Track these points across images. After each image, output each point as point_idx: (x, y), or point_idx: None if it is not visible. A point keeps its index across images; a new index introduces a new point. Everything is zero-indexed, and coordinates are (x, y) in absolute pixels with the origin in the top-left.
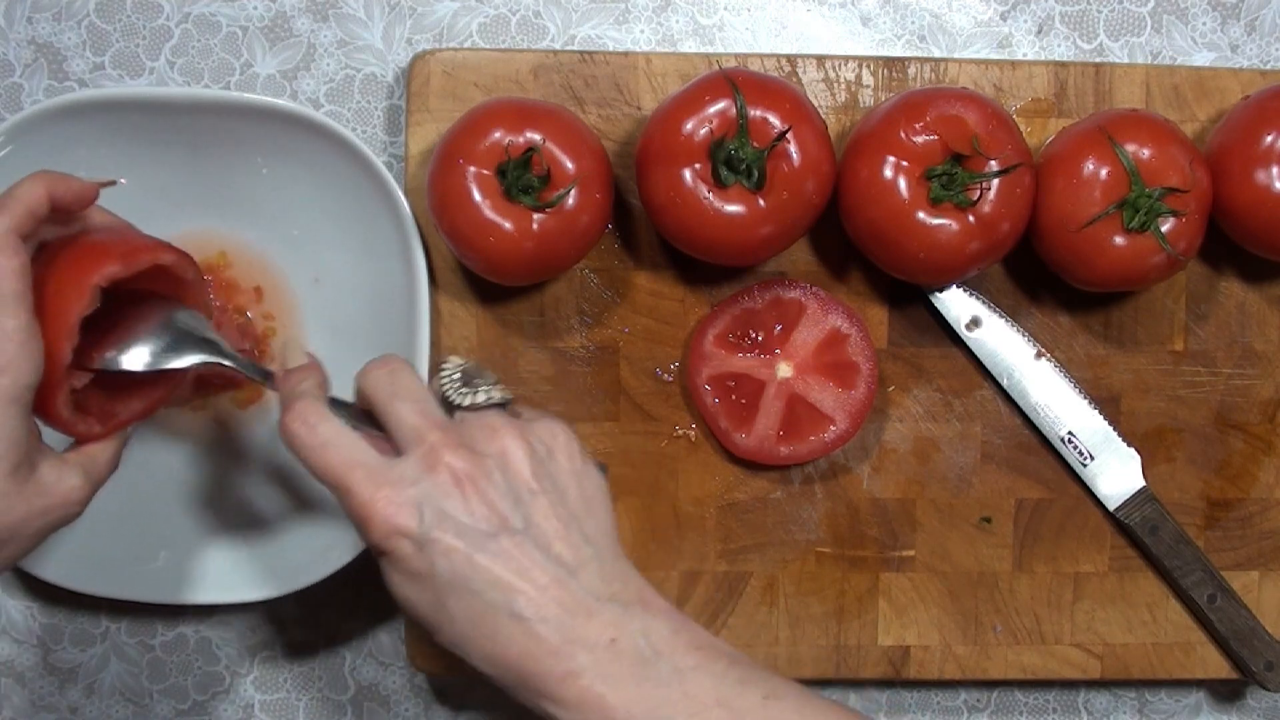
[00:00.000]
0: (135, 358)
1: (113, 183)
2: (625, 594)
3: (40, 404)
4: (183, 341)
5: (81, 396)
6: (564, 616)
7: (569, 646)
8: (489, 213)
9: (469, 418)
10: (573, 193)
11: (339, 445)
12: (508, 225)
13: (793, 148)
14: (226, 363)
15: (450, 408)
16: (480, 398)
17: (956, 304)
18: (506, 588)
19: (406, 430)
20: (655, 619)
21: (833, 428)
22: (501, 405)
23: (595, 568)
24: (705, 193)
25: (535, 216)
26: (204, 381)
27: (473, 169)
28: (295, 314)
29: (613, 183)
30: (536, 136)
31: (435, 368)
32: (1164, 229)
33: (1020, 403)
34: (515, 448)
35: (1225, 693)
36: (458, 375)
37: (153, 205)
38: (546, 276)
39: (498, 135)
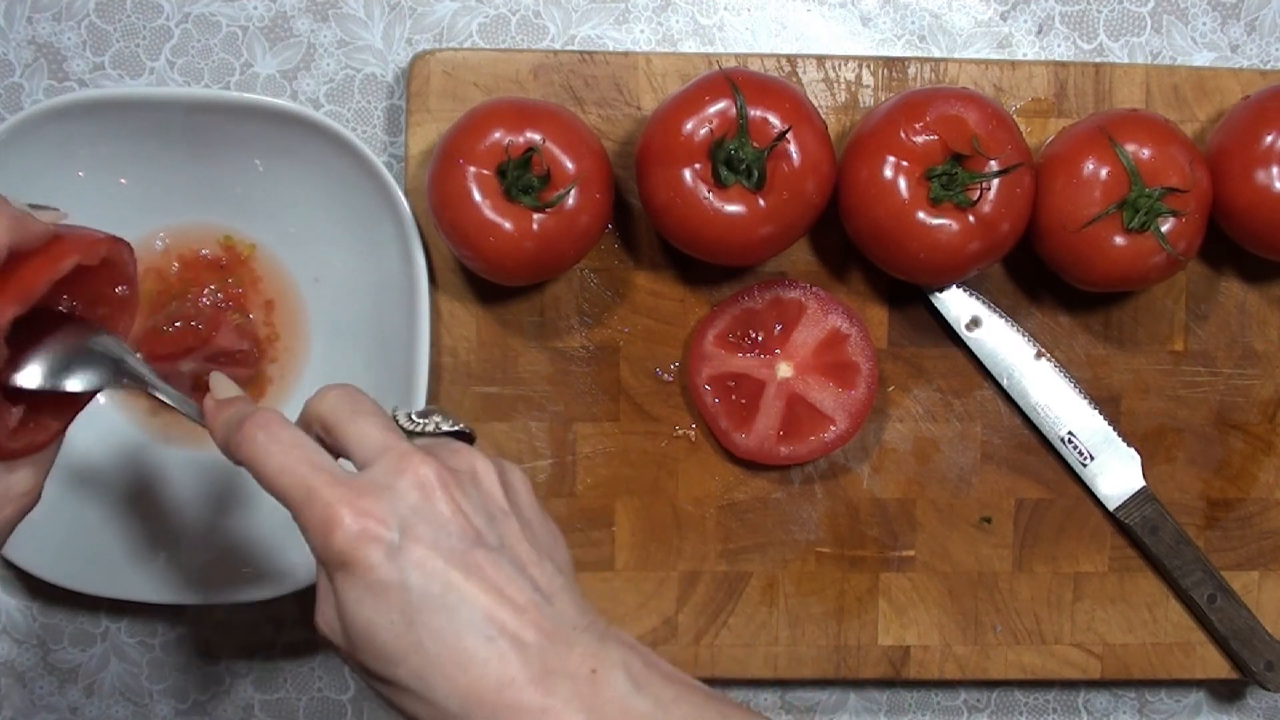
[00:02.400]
0: (29, 375)
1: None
2: (597, 625)
3: None
4: (90, 365)
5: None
6: (544, 642)
7: (550, 677)
8: (489, 213)
9: (431, 442)
10: (573, 193)
11: (304, 448)
12: (508, 225)
13: (793, 148)
14: (158, 394)
15: (409, 436)
16: (437, 419)
17: (956, 304)
18: (484, 606)
19: (371, 444)
20: (629, 651)
21: (833, 428)
22: (462, 435)
23: (567, 597)
24: (705, 193)
25: (535, 216)
26: (204, 384)
27: (473, 169)
28: (295, 314)
29: (613, 183)
30: (536, 136)
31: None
32: (1164, 229)
33: (1020, 403)
34: (484, 467)
35: (1225, 693)
36: (414, 411)
37: (152, 205)
38: (546, 276)
39: (498, 135)
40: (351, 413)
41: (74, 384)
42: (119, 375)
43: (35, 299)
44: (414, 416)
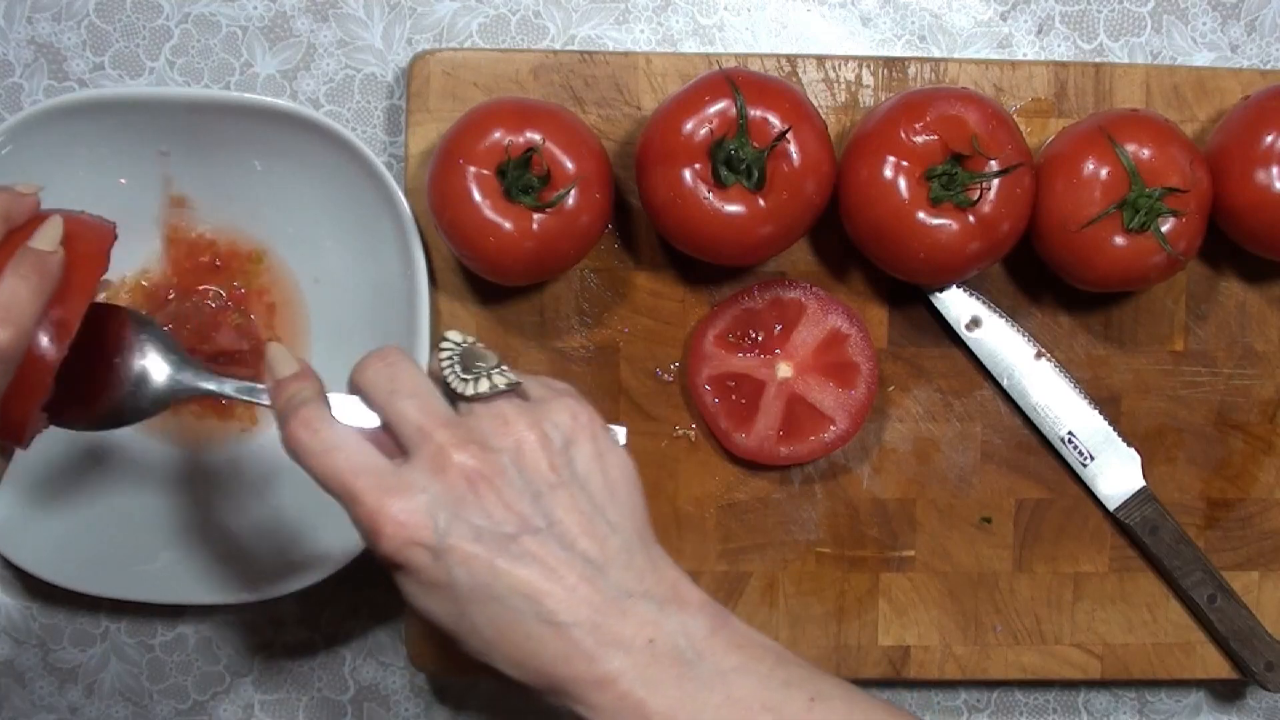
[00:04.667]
0: (108, 420)
1: (38, 187)
2: (659, 589)
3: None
4: (152, 390)
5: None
6: (596, 617)
7: (603, 649)
8: (489, 213)
9: (476, 408)
10: (573, 193)
11: (344, 450)
12: (508, 225)
13: (793, 147)
14: (217, 390)
15: (453, 396)
16: (484, 386)
17: (956, 304)
18: (532, 592)
19: (410, 430)
20: (693, 615)
21: (833, 428)
22: (509, 390)
23: (624, 559)
24: (705, 193)
25: (535, 216)
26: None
27: (473, 169)
28: (295, 314)
29: (613, 183)
30: (536, 136)
31: (434, 345)
32: (1164, 229)
33: (1020, 403)
34: (529, 438)
35: (1225, 693)
36: (457, 358)
37: (152, 205)
38: (546, 277)
39: (497, 135)
40: (389, 392)
41: (145, 414)
42: (177, 390)
43: (93, 297)
44: (462, 375)
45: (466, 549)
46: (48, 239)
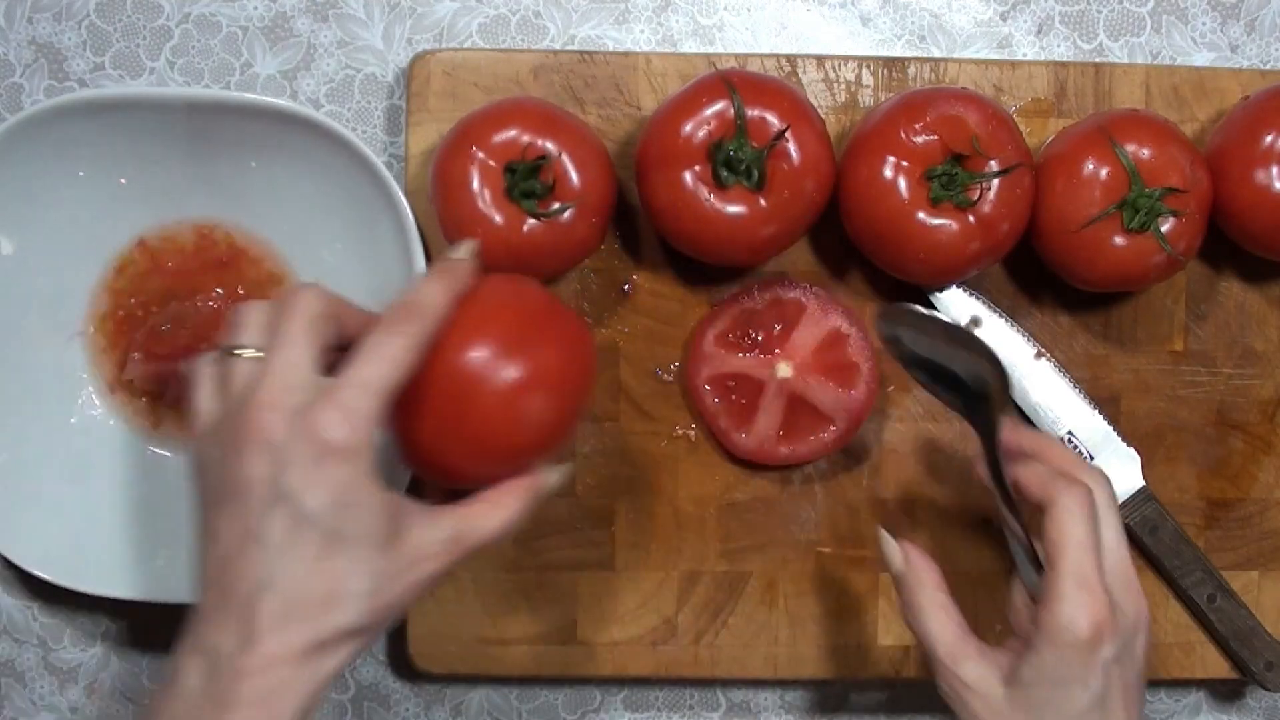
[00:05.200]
0: None
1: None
2: None
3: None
4: None
5: None
6: None
7: None
8: (483, 204)
9: None
10: (570, 211)
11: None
12: (498, 220)
13: (792, 147)
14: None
15: None
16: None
17: (956, 304)
18: None
19: None
20: None
21: (832, 428)
22: None
23: None
24: (706, 194)
25: (529, 221)
26: None
27: (481, 155)
28: None
29: (613, 208)
30: (552, 147)
31: None
32: (1164, 229)
33: (1020, 403)
34: None
35: (1225, 693)
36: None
37: (152, 205)
38: None
39: (515, 133)
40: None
41: None
42: None
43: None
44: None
45: None
46: (464, 249)
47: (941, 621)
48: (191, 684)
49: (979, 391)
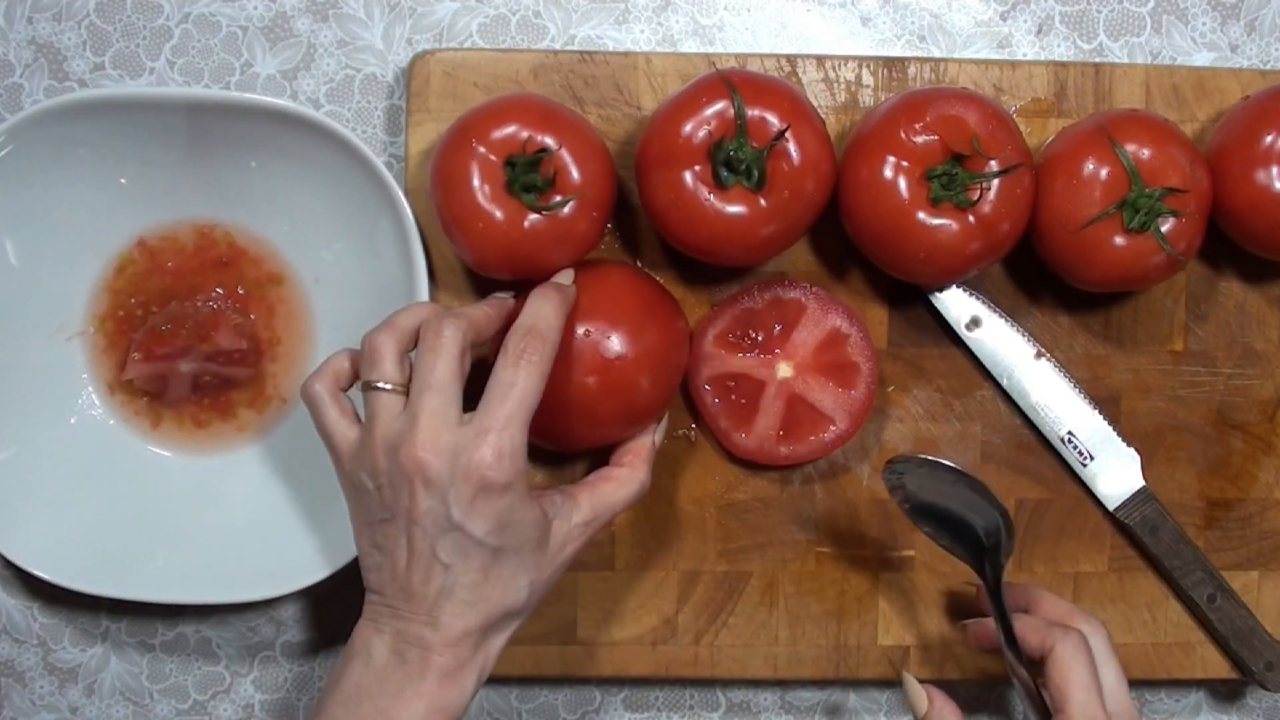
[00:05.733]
0: None
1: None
2: None
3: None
4: None
5: None
6: None
7: None
8: (483, 198)
9: None
10: (570, 206)
11: None
12: (499, 214)
13: (792, 146)
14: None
15: None
16: None
17: (956, 304)
18: None
19: None
20: None
21: (832, 428)
22: None
23: None
24: (706, 195)
25: (530, 216)
26: (203, 384)
27: (482, 149)
28: (296, 314)
29: (613, 203)
30: (552, 142)
31: None
32: (1164, 229)
33: (1020, 403)
34: None
35: (1225, 693)
36: None
37: (152, 205)
38: (528, 277)
39: (515, 128)
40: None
41: None
42: None
43: None
44: None
45: None
46: (565, 276)
47: None
48: (384, 658)
49: (987, 537)
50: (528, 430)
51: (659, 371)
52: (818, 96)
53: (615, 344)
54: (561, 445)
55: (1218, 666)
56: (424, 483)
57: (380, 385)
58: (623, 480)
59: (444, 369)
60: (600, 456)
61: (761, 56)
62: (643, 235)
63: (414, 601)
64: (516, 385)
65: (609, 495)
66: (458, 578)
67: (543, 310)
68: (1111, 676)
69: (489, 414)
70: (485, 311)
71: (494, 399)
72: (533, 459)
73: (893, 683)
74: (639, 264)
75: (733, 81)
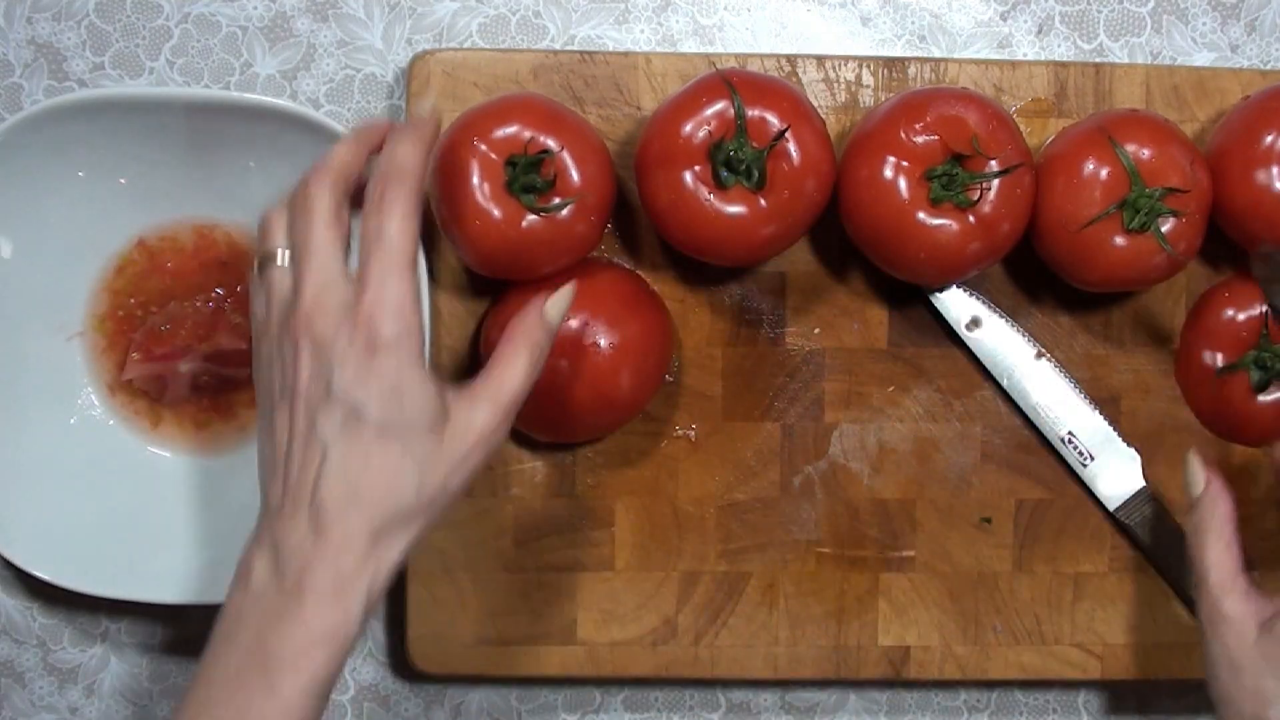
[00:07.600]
0: None
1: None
2: None
3: None
4: None
5: None
6: None
7: None
8: (482, 197)
9: None
10: (569, 208)
11: None
12: (497, 213)
13: (792, 147)
14: None
15: None
16: None
17: (956, 304)
18: None
19: None
20: None
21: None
22: None
23: None
24: (706, 195)
25: (528, 217)
26: (203, 384)
27: (484, 148)
28: None
29: (613, 207)
30: (554, 144)
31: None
32: (1164, 229)
33: (1020, 403)
34: None
35: None
36: None
37: (152, 205)
38: (524, 277)
39: (518, 128)
40: None
41: None
42: None
43: None
44: None
45: None
46: (428, 107)
47: (1221, 552)
48: (262, 579)
49: None
50: (413, 282)
51: (641, 364)
52: (818, 96)
53: (595, 335)
54: (548, 436)
55: None
56: (310, 344)
57: (272, 257)
58: (506, 364)
59: (319, 230)
60: (598, 446)
61: (761, 56)
62: (643, 235)
63: (291, 496)
64: (384, 231)
65: (501, 378)
66: (336, 461)
67: (396, 151)
68: None
69: (364, 267)
70: (342, 153)
71: (367, 252)
72: (531, 451)
73: (893, 683)
74: (639, 264)
75: (733, 81)
